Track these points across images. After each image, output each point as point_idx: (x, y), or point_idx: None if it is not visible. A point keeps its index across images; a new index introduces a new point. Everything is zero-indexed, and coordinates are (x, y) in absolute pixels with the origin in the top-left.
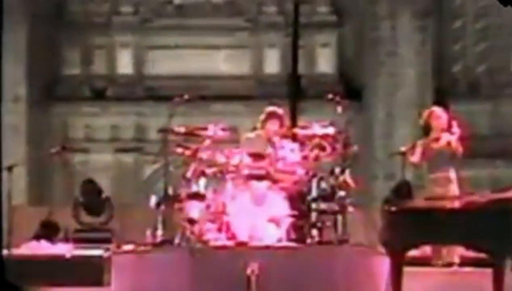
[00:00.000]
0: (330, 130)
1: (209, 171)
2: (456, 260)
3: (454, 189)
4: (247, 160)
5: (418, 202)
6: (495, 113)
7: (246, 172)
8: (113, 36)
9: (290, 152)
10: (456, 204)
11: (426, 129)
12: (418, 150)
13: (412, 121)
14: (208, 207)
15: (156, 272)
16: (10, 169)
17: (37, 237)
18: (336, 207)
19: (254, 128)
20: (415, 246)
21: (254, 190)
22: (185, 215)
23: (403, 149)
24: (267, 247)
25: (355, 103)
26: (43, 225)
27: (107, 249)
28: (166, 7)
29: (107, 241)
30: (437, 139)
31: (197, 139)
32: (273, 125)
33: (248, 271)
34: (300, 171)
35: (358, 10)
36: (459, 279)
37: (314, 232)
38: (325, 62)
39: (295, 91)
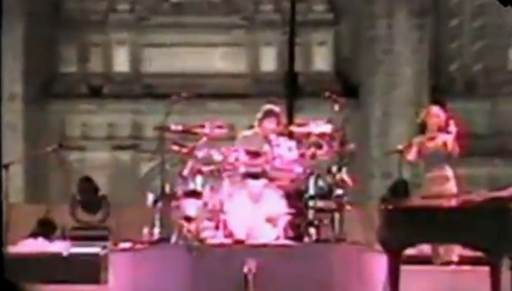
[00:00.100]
0: (327, 128)
1: (205, 169)
2: (455, 259)
3: (451, 188)
4: (244, 158)
5: (415, 200)
6: (492, 112)
7: (243, 170)
8: (109, 34)
9: (287, 150)
10: (453, 203)
11: (423, 128)
12: (414, 148)
13: (409, 119)
14: (205, 205)
15: (153, 270)
16: (6, 167)
17: (34, 235)
18: (333, 205)
19: (251, 126)
20: (412, 244)
21: (251, 188)
22: (182, 213)
23: (399, 147)
24: (264, 245)
25: (351, 101)
26: (40, 222)
27: (104, 247)
28: (163, 4)
29: (104, 238)
30: (433, 138)
31: (194, 137)
32: (270, 123)
33: (245, 269)
34: (297, 169)
35: (354, 8)
36: (456, 278)
37: (311, 230)
38: (321, 60)
39: (292, 89)
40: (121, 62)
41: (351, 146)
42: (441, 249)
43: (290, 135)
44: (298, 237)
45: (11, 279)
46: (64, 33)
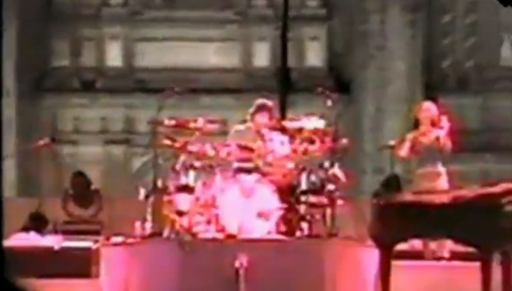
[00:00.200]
0: (320, 123)
1: (198, 163)
2: (446, 254)
3: (443, 183)
4: (237, 153)
5: (407, 196)
6: (484, 108)
7: (235, 164)
8: (102, 28)
9: (279, 144)
10: (445, 198)
11: (416, 123)
12: (407, 144)
13: (401, 115)
14: (197, 199)
15: (145, 264)
16: None
17: (26, 229)
18: (325, 200)
19: (244, 121)
20: (404, 239)
21: (243, 183)
22: (174, 208)
23: (392, 142)
24: (256, 240)
25: (344, 96)
26: (32, 217)
27: (96, 241)
28: None
29: (96, 233)
30: (425, 133)
31: (187, 131)
32: (262, 118)
33: (237, 264)
34: (290, 164)
35: (347, 4)
36: (448, 273)
37: (303, 225)
38: (314, 56)
39: (285, 84)
40: (113, 56)
41: (343, 141)
42: (433, 245)
43: (283, 130)
44: (290, 232)
45: (6, 276)
46: (56, 27)
